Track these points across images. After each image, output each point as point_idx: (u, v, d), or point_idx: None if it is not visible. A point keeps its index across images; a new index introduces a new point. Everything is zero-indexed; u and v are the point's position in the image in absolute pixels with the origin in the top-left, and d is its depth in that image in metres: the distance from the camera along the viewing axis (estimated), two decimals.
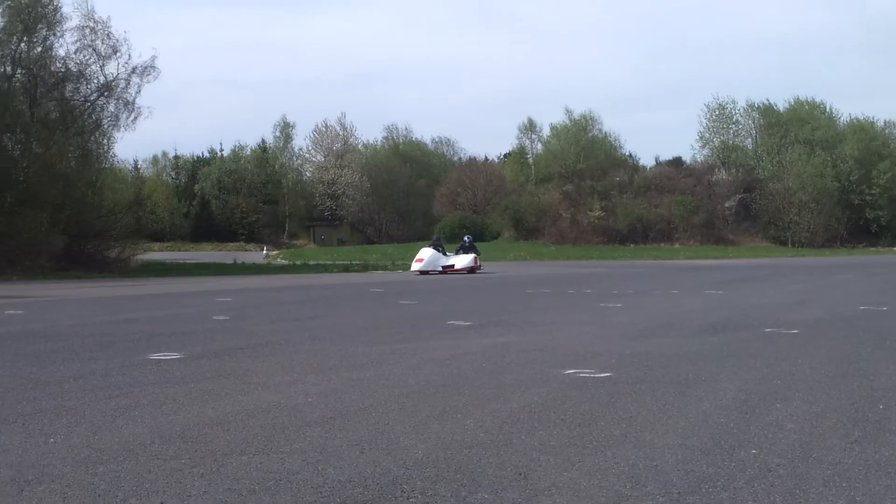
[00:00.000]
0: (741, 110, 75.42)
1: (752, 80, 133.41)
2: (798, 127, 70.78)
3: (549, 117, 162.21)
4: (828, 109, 75.59)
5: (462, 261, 31.25)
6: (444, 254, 31.33)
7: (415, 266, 30.26)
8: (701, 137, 75.94)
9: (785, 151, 69.03)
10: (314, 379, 6.57)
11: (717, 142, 74.96)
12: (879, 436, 4.67)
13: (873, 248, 64.11)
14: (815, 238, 64.08)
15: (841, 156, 67.88)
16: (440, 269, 30.27)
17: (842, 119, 75.69)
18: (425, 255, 30.55)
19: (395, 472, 3.94)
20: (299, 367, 7.18)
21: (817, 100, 76.07)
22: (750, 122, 75.61)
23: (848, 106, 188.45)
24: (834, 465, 4.09)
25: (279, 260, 52.22)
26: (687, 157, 79.41)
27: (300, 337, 9.71)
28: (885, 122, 76.43)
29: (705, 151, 76.01)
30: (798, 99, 75.75)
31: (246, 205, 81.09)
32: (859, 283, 21.06)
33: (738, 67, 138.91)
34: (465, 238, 34.02)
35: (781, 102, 76.10)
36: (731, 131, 75.43)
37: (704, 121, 75.52)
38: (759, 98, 78.54)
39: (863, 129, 71.82)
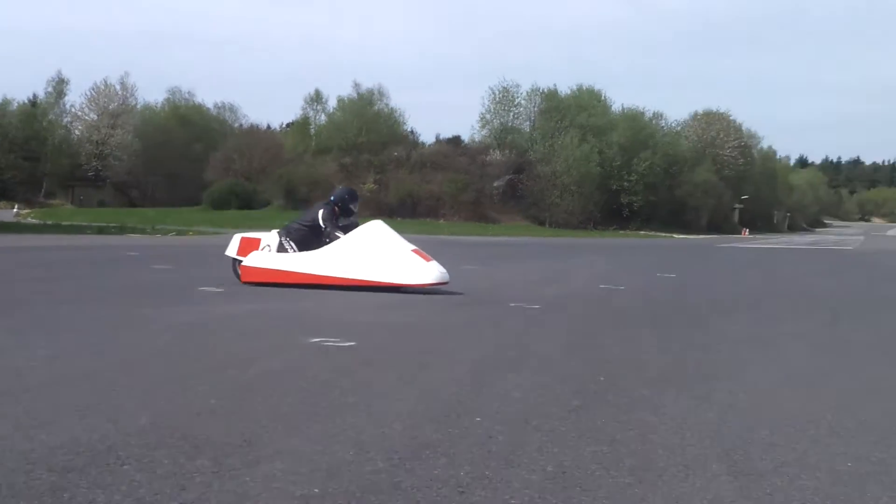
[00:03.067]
0: (525, 94, 77.70)
1: (541, 68, 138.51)
2: (576, 113, 73.22)
3: (341, 91, 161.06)
4: (603, 97, 79.23)
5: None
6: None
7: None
8: (481, 118, 77.60)
9: (559, 136, 71.52)
10: (43, 342, 6.20)
11: (496, 123, 76.88)
12: (596, 405, 4.96)
13: (622, 231, 68.25)
14: (571, 219, 67.23)
15: (608, 142, 71.35)
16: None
17: (615, 107, 79.92)
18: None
19: (114, 438, 3.79)
20: (30, 330, 6.76)
21: (597, 88, 79.77)
22: (532, 105, 77.78)
23: (622, 95, 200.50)
24: (549, 432, 4.31)
25: (30, 219, 48.81)
26: (466, 137, 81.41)
27: (37, 298, 9.15)
28: (653, 112, 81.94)
29: (484, 132, 77.77)
30: (581, 86, 78.83)
31: (5, 161, 75.33)
32: (604, 263, 22.29)
33: (529, 55, 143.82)
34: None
35: (565, 89, 79.08)
36: (512, 114, 77.32)
37: (487, 103, 77.17)
38: (546, 84, 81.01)
39: (633, 118, 75.99)
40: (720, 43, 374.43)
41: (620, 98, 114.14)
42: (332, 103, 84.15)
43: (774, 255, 30.99)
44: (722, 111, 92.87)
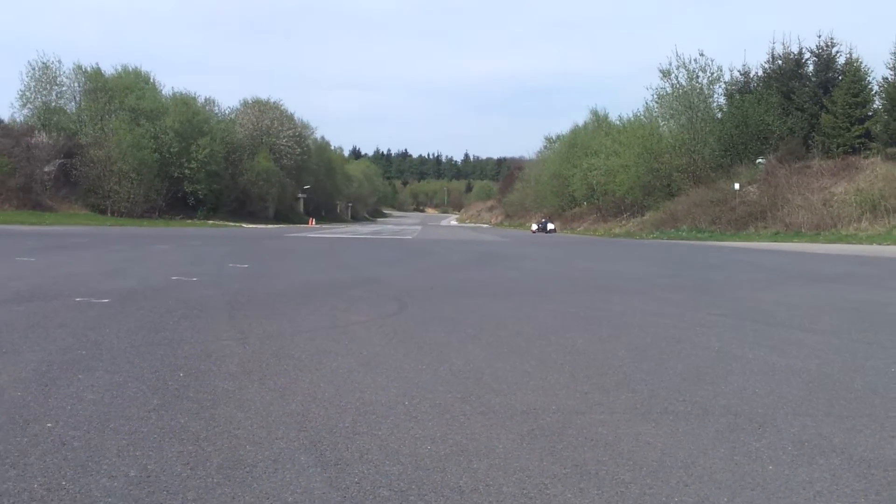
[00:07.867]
0: (67, 72, 72.96)
1: (83, 46, 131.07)
2: (123, 95, 70.75)
3: None
4: (152, 80, 77.51)
5: None
6: None
7: None
8: (22, 96, 71.58)
9: (108, 118, 68.39)
10: None
11: (39, 102, 71.37)
12: (177, 403, 4.83)
13: (189, 221, 67.15)
14: (134, 208, 64.81)
15: (163, 128, 69.77)
16: None
17: (165, 91, 78.43)
18: None
19: None
20: None
21: (144, 70, 77.74)
22: (76, 85, 73.37)
23: (172, 79, 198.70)
24: (129, 434, 4.12)
25: None
26: (6, 117, 74.35)
27: None
28: (206, 98, 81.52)
29: (25, 111, 71.83)
30: (126, 67, 76.31)
31: None
32: (174, 253, 21.72)
33: (67, 31, 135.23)
34: None
35: (110, 69, 75.71)
36: (55, 93, 72.35)
37: (27, 80, 71.51)
38: (89, 62, 76.81)
39: (185, 104, 74.81)
40: (261, 35, 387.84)
41: (171, 82, 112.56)
42: None
43: (341, 244, 32.33)
44: (273, 101, 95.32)
